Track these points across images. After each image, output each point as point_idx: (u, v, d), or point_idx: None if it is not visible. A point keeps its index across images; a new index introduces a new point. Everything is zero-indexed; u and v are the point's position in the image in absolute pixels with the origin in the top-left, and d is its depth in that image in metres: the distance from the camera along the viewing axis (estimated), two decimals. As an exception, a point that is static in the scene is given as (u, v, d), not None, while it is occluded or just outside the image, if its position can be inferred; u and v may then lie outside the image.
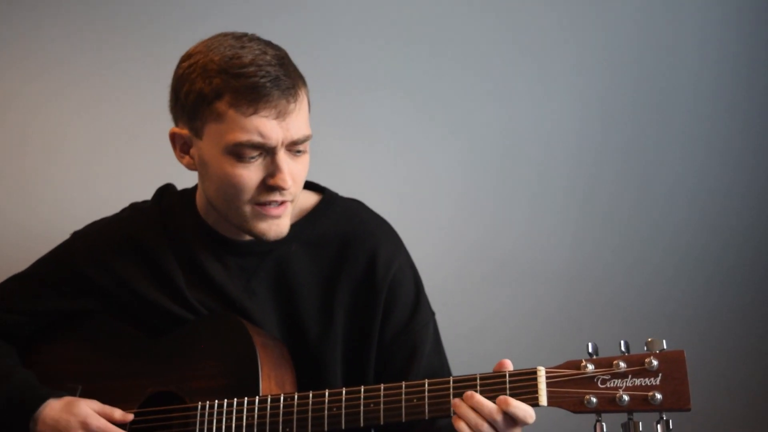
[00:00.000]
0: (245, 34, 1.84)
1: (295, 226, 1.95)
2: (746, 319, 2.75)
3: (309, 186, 2.05)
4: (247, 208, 1.84)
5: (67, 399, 1.89)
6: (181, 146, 1.89)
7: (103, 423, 1.86)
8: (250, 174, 1.80)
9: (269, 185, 1.81)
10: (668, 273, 2.75)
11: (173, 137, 1.89)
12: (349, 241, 1.97)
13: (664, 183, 2.76)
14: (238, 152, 1.78)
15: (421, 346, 1.95)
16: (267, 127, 1.76)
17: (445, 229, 2.75)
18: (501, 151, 2.76)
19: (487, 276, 2.74)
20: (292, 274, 1.96)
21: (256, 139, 1.77)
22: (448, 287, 2.62)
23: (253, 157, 1.79)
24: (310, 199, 2.02)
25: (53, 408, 1.88)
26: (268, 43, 1.84)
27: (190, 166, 1.90)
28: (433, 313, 2.02)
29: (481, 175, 2.76)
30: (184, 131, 1.86)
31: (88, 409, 1.87)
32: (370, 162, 2.74)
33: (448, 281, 2.66)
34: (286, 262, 1.96)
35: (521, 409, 1.60)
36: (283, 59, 1.81)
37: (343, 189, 2.08)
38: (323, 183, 2.07)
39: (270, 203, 1.83)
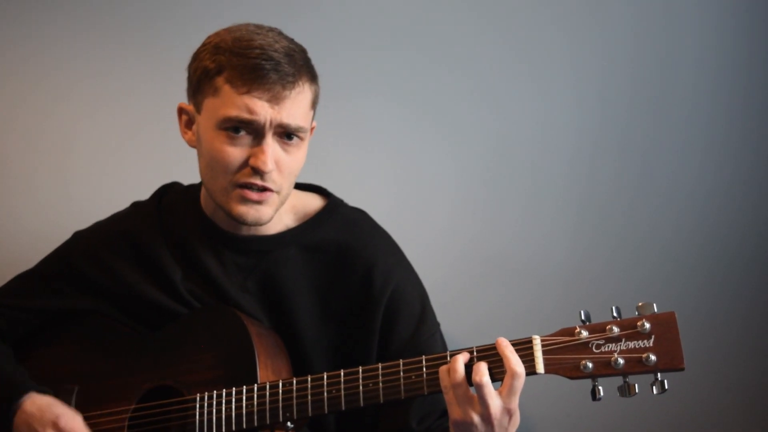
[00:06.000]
0: (271, 28, 1.87)
1: (295, 230, 1.96)
2: (746, 316, 2.73)
3: (315, 189, 2.07)
4: (230, 188, 1.84)
5: (49, 398, 1.90)
6: (186, 122, 1.92)
7: (73, 425, 1.85)
8: (236, 151, 1.82)
9: (252, 166, 1.81)
10: (666, 272, 2.74)
11: (180, 112, 1.93)
12: (347, 250, 1.97)
13: (660, 182, 2.75)
14: (227, 127, 1.80)
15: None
16: (257, 105, 1.78)
17: (440, 229, 2.74)
18: (496, 149, 2.75)
19: (482, 275, 2.73)
20: (287, 277, 1.96)
21: (245, 115, 1.78)
22: (444, 287, 2.60)
23: (239, 132, 1.81)
24: (314, 203, 2.03)
25: (35, 401, 1.88)
26: (287, 38, 1.87)
27: (191, 142, 1.92)
28: (438, 324, 2.03)
29: (476, 173, 2.75)
30: (190, 107, 1.89)
31: (65, 408, 1.87)
32: (363, 161, 2.73)
33: (443, 281, 2.63)
34: (283, 265, 1.97)
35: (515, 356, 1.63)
36: (294, 52, 1.83)
37: (337, 189, 2.08)
38: (316, 183, 2.08)
39: (251, 186, 1.83)
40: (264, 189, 1.84)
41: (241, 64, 1.78)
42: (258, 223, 1.88)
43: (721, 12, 2.74)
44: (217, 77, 1.81)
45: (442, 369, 1.68)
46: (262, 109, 1.78)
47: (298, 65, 1.82)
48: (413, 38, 2.72)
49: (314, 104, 1.88)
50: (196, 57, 1.87)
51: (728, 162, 2.76)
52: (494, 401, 1.62)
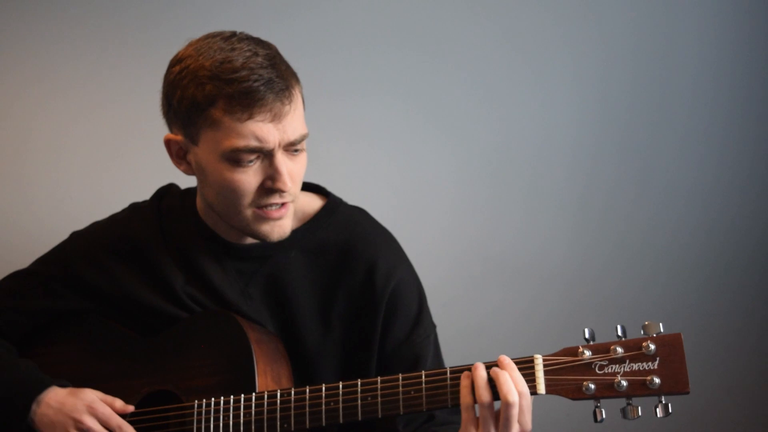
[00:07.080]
0: (234, 34, 1.81)
1: (296, 233, 1.94)
2: (745, 316, 2.76)
3: (313, 188, 2.04)
4: (248, 212, 1.83)
5: (71, 388, 1.90)
6: (177, 152, 1.87)
7: (108, 411, 1.86)
8: (249, 178, 1.79)
9: (269, 188, 1.80)
10: (665, 272, 2.76)
11: (168, 144, 1.87)
12: (349, 250, 1.95)
13: (660, 182, 2.76)
14: (236, 158, 1.77)
15: (423, 357, 1.94)
16: (263, 131, 1.75)
17: (440, 229, 2.74)
18: (496, 149, 2.75)
19: (482, 276, 2.74)
20: (289, 281, 1.95)
21: (253, 143, 1.75)
22: (444, 287, 2.60)
23: (251, 161, 1.78)
24: (313, 203, 2.01)
25: (58, 393, 1.88)
26: (258, 42, 1.81)
27: (188, 172, 1.89)
28: (434, 326, 2.01)
29: (476, 173, 2.75)
30: (179, 137, 1.84)
31: (94, 395, 1.88)
32: (363, 161, 2.73)
33: (443, 281, 2.64)
34: (284, 269, 1.95)
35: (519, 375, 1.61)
36: (273, 58, 1.78)
37: (337, 189, 2.07)
38: (316, 183, 2.06)
39: (270, 206, 1.82)
40: (283, 204, 1.84)
41: (235, 90, 1.73)
42: (282, 238, 1.87)
43: (721, 12, 2.75)
44: (210, 109, 1.75)
45: (465, 386, 1.65)
46: (269, 134, 1.75)
47: (282, 72, 1.78)
48: (413, 38, 2.71)
49: (304, 102, 1.85)
50: (175, 85, 1.80)
51: (728, 162, 2.77)
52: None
